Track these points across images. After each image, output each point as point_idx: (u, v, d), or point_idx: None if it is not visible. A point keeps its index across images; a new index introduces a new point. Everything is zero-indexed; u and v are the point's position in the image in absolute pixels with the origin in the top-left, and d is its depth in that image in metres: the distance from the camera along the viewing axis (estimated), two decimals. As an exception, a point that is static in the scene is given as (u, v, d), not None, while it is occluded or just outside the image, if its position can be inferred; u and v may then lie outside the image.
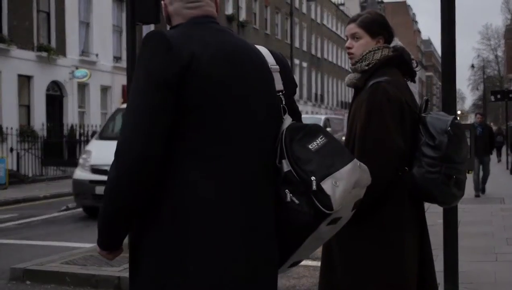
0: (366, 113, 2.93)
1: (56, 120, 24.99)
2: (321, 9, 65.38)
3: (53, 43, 24.81)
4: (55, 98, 25.22)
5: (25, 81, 23.38)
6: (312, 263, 7.60)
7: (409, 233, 2.98)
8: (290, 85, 2.19)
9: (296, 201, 1.97)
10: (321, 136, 2.04)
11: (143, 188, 1.92)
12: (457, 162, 2.90)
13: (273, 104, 2.11)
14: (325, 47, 67.42)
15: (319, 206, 1.93)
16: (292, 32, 47.35)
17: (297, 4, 56.36)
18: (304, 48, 59.86)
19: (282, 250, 2.09)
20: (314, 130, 2.06)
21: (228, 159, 1.97)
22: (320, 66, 64.91)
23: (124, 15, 26.47)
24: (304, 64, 59.67)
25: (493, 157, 16.62)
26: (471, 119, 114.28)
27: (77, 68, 25.56)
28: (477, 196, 14.59)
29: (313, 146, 2.02)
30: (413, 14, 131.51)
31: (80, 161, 12.10)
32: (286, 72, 2.19)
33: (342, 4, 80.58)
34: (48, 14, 24.91)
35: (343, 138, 3.50)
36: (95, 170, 11.12)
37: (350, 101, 3.30)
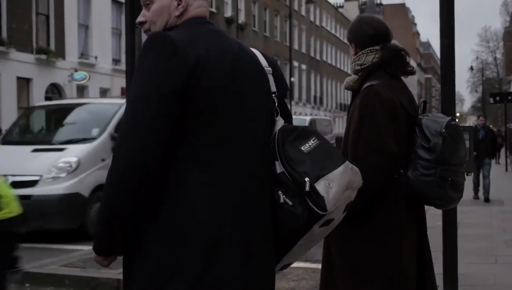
0: (358, 116, 2.95)
1: (55, 122, 24.99)
2: (320, 11, 65.41)
3: (52, 46, 24.82)
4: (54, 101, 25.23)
5: (24, 83, 23.39)
6: (311, 265, 7.60)
7: (405, 235, 2.98)
8: (282, 87, 2.18)
9: (289, 203, 1.95)
10: (314, 138, 2.04)
11: (140, 194, 1.90)
12: (453, 164, 2.89)
13: (269, 106, 2.10)
14: (324, 49, 67.45)
15: (313, 207, 1.91)
16: (291, 34, 47.36)
17: (296, 7, 56.40)
18: (303, 50, 59.90)
19: (276, 251, 2.09)
20: (307, 132, 2.06)
21: (229, 162, 1.95)
22: (319, 68, 64.94)
23: (123, 17, 26.49)
24: (303, 66, 59.70)
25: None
26: (470, 121, 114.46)
27: (76, 70, 25.57)
28: (475, 198, 14.44)
29: (305, 148, 2.01)
30: (412, 16, 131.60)
31: None
32: (278, 74, 2.18)
33: (341, 7, 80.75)
34: (47, 16, 24.92)
35: (333, 141, 3.48)
36: None
37: (347, 104, 3.30)
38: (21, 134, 11.34)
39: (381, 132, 2.87)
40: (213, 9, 40.38)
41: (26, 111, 12.54)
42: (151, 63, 1.90)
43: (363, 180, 2.24)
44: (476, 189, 14.70)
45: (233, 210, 1.95)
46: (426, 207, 3.24)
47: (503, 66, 72.36)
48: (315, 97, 63.76)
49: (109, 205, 1.93)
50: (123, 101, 9.91)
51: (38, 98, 23.74)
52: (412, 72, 3.15)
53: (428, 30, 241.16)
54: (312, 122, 28.31)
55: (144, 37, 2.04)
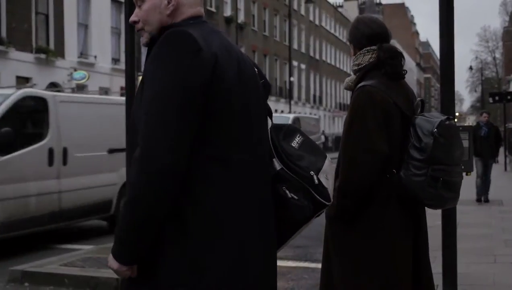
0: (349, 116, 3.00)
1: (55, 122, 25.00)
2: (319, 11, 65.41)
3: (52, 45, 24.82)
4: (53, 100, 25.23)
5: (23, 82, 23.36)
6: (310, 265, 7.61)
7: (399, 233, 2.99)
8: (266, 86, 2.22)
9: (295, 197, 2.01)
10: (298, 135, 2.14)
11: (171, 196, 1.86)
12: (446, 164, 2.88)
13: (263, 104, 2.14)
14: (324, 48, 67.46)
15: (320, 199, 2.01)
16: (290, 34, 47.41)
17: (295, 6, 56.42)
18: (303, 49, 59.90)
19: (278, 239, 2.15)
20: (291, 130, 2.15)
21: (246, 161, 1.97)
22: (318, 68, 64.95)
23: (122, 17, 26.47)
24: (303, 66, 59.71)
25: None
26: (469, 121, 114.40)
27: (75, 70, 25.56)
28: (478, 200, 13.71)
29: (294, 144, 2.11)
30: (412, 16, 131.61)
31: None
32: (261, 75, 2.20)
33: (341, 6, 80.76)
34: (47, 16, 24.91)
35: (320, 141, 3.49)
36: None
37: (346, 103, 3.33)
38: None
39: (371, 133, 2.89)
40: (213, 9, 40.41)
41: None
42: (176, 61, 1.86)
43: (353, 180, 2.38)
44: (480, 192, 13.81)
45: (256, 208, 1.99)
46: (425, 207, 3.25)
47: (502, 65, 72.41)
48: (314, 96, 63.77)
49: (138, 209, 1.86)
50: (11, 91, 9.18)
51: (37, 98, 23.75)
52: (403, 76, 3.15)
53: (428, 29, 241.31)
54: (296, 120, 27.86)
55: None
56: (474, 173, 13.04)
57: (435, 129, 2.85)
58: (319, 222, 8.64)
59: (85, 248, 8.02)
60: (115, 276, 6.35)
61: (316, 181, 2.00)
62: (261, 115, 2.09)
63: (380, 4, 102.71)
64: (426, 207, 3.20)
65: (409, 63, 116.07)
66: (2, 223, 8.03)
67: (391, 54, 3.08)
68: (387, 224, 2.96)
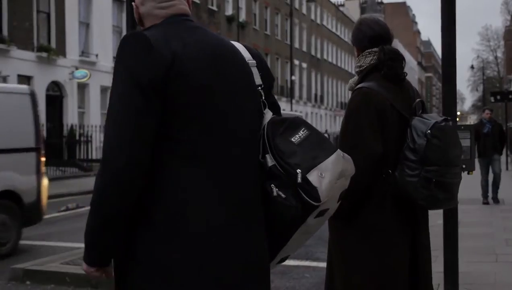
0: (345, 117, 3.04)
1: (56, 120, 25.02)
2: (321, 10, 65.40)
3: (53, 44, 24.84)
4: (55, 99, 25.25)
5: (25, 81, 23.39)
6: (311, 264, 7.61)
7: (393, 233, 3.01)
8: (267, 79, 2.17)
9: (283, 195, 1.93)
10: (303, 129, 2.04)
11: (131, 196, 1.86)
12: (439, 165, 2.89)
13: (255, 99, 2.08)
14: (325, 47, 67.44)
15: (307, 198, 1.90)
16: (292, 32, 47.39)
17: (297, 5, 56.40)
18: (304, 48, 59.89)
19: (272, 245, 2.06)
20: (296, 123, 2.05)
21: (215, 157, 1.93)
22: (319, 67, 64.93)
23: (124, 15, 26.51)
24: (304, 65, 59.69)
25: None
26: (470, 120, 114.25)
27: (77, 68, 25.59)
28: (485, 203, 13.13)
29: (295, 139, 2.00)
30: (413, 15, 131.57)
31: None
32: (263, 67, 2.16)
33: (342, 5, 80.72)
34: (48, 14, 24.94)
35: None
36: None
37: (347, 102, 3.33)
38: None
39: (364, 133, 2.92)
40: (214, 7, 40.40)
41: None
42: (127, 62, 1.90)
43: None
44: (485, 194, 13.34)
45: (225, 204, 1.93)
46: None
47: (504, 65, 72.36)
48: (315, 95, 63.77)
49: (96, 213, 1.88)
50: None
51: (39, 96, 23.67)
52: (402, 78, 3.16)
53: (429, 28, 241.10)
54: None
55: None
56: (479, 175, 12.80)
57: (429, 131, 2.87)
58: (320, 221, 8.35)
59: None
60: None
61: (299, 180, 1.90)
62: (246, 110, 2.04)
63: (381, 3, 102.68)
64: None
65: (411, 62, 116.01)
66: None
67: (391, 56, 3.09)
68: (382, 225, 2.98)
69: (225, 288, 1.91)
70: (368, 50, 3.16)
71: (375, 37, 3.17)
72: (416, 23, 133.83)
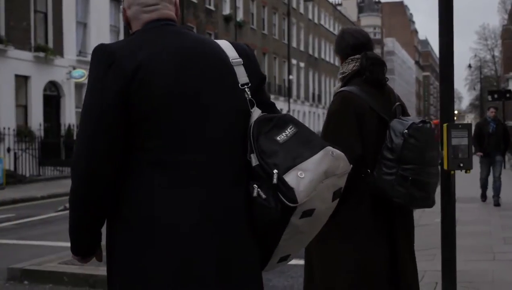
0: (326, 119, 3.20)
1: (54, 120, 24.99)
2: (318, 9, 65.40)
3: (51, 44, 24.80)
4: (52, 98, 25.22)
5: (22, 81, 23.38)
6: (310, 263, 7.62)
7: (369, 231, 3.10)
8: (256, 77, 2.14)
9: (263, 196, 1.91)
10: (291, 126, 2.02)
11: (96, 201, 1.98)
12: (415, 164, 2.99)
13: (237, 99, 2.06)
14: (322, 47, 67.46)
15: (283, 199, 1.87)
16: (289, 32, 47.41)
17: (294, 4, 56.40)
18: (302, 48, 59.89)
19: (263, 247, 2.05)
20: (284, 121, 2.04)
21: (187, 162, 1.95)
22: (317, 66, 64.95)
23: (121, 15, 26.38)
24: (301, 64, 59.69)
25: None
26: (468, 119, 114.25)
27: (74, 68, 25.56)
28: (483, 201, 13.17)
29: (281, 137, 1.98)
30: (410, 14, 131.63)
31: None
32: (251, 64, 2.14)
33: (340, 4, 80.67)
34: (46, 14, 24.90)
35: None
36: None
37: None
38: None
39: (344, 134, 3.04)
40: (211, 7, 40.39)
41: None
42: (92, 75, 1.99)
43: None
44: (484, 190, 13.17)
45: (198, 208, 1.94)
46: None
47: (501, 63, 72.42)
48: (313, 94, 63.78)
49: (71, 214, 2.05)
50: None
51: (36, 96, 23.75)
52: (383, 83, 3.28)
53: (427, 27, 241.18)
54: None
55: None
56: (477, 173, 12.63)
57: (406, 130, 2.98)
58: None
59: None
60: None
61: (275, 181, 1.87)
62: (225, 110, 2.03)
63: (379, 2, 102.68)
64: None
65: (408, 61, 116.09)
66: None
67: (373, 61, 3.22)
68: (360, 224, 3.08)
69: (197, 287, 1.94)
70: (351, 57, 3.30)
71: (358, 45, 3.31)
72: (413, 22, 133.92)
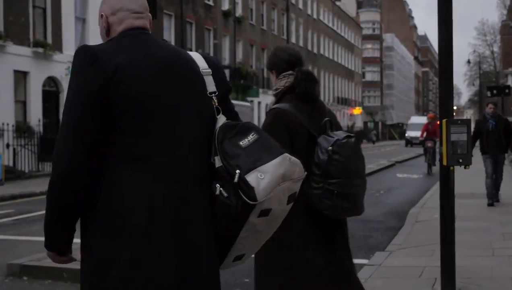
0: None
1: (53, 116, 24.97)
2: (317, 4, 65.33)
3: (49, 39, 24.76)
4: (51, 94, 25.20)
5: (21, 77, 23.35)
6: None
7: (309, 239, 3.30)
8: (222, 86, 2.32)
9: (225, 194, 2.08)
10: (253, 133, 2.20)
11: (73, 196, 2.08)
12: (340, 178, 3.19)
13: (205, 106, 2.24)
14: (321, 42, 67.40)
15: (244, 197, 2.04)
16: (288, 27, 47.36)
17: (293, 0, 56.32)
18: (301, 43, 59.83)
19: (221, 244, 2.21)
20: (246, 128, 2.21)
21: (158, 159, 2.11)
22: (316, 62, 64.91)
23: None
24: (301, 60, 59.57)
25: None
26: (467, 115, 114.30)
27: (73, 64, 25.51)
28: (490, 205, 11.89)
29: (244, 142, 2.16)
30: (410, 9, 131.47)
31: None
32: (219, 75, 2.33)
33: (339, 0, 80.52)
34: (44, 9, 24.86)
35: None
36: None
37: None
38: None
39: None
40: (210, 3, 40.34)
41: None
42: (74, 73, 2.12)
43: None
44: (490, 194, 11.99)
45: (165, 203, 2.10)
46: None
47: (500, 59, 72.46)
48: (312, 90, 63.71)
49: (49, 208, 2.12)
50: None
51: (35, 92, 23.72)
52: (314, 99, 3.47)
53: (425, 23, 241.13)
54: None
55: None
56: (476, 169, 12.42)
57: (330, 147, 3.19)
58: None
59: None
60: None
61: (236, 179, 2.05)
62: (194, 115, 2.21)
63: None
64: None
65: (407, 57, 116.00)
66: None
67: (307, 76, 3.43)
68: (298, 229, 3.26)
69: (159, 284, 2.08)
70: (283, 74, 3.48)
71: (291, 61, 3.52)
72: (412, 17, 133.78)
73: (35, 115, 23.44)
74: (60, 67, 24.99)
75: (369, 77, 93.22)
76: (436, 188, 13.54)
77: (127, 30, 2.26)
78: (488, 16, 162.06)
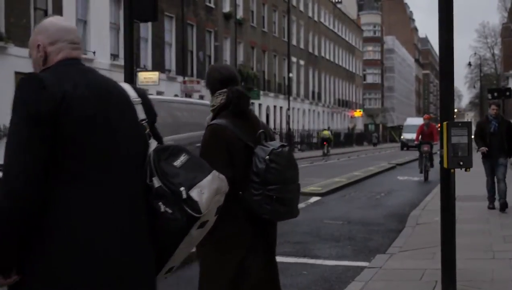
0: (200, 150, 3.63)
1: (53, 117, 25.00)
2: (318, 7, 65.38)
3: (50, 41, 24.79)
4: (52, 96, 25.22)
5: (22, 78, 23.37)
6: (309, 261, 7.63)
7: (239, 242, 3.56)
8: (151, 114, 2.51)
9: (169, 211, 2.28)
10: (184, 154, 2.41)
11: (19, 220, 2.12)
12: (278, 184, 3.46)
13: (138, 131, 2.42)
14: (322, 45, 67.44)
15: (190, 211, 2.26)
16: (289, 29, 47.41)
17: (294, 2, 56.38)
18: (302, 46, 59.89)
19: (160, 257, 2.39)
20: (178, 150, 2.42)
21: (101, 182, 2.24)
22: (317, 64, 64.94)
23: (121, 12, 26.44)
24: (301, 62, 59.70)
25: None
26: (468, 117, 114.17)
27: (74, 65, 25.54)
28: (491, 208, 11.63)
29: (177, 163, 2.37)
30: (410, 12, 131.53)
31: None
32: (147, 104, 2.51)
33: (340, 2, 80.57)
34: (46, 11, 24.89)
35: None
36: None
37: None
38: None
39: (214, 161, 3.44)
40: (211, 5, 40.38)
41: None
42: (23, 98, 2.21)
43: None
44: (491, 198, 11.76)
45: (109, 224, 2.23)
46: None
47: (501, 62, 72.44)
48: (313, 92, 63.79)
49: None
50: None
51: (36, 93, 23.72)
52: (247, 114, 3.72)
53: (426, 25, 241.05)
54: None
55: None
56: (476, 172, 12.31)
57: (267, 156, 3.46)
58: (319, 219, 8.74)
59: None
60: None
61: (184, 196, 2.25)
62: (130, 140, 2.36)
63: (378, 0, 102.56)
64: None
65: (408, 59, 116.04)
66: None
67: (238, 95, 3.66)
68: (230, 234, 3.54)
69: None
70: (218, 92, 3.73)
71: (224, 80, 3.75)
72: (413, 20, 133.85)
73: (36, 117, 23.45)
74: (61, 69, 25.02)
75: (370, 79, 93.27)
76: (437, 190, 13.53)
77: (64, 60, 2.39)
78: (489, 18, 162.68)
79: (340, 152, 46.85)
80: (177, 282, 6.18)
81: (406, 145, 54.27)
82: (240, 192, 3.51)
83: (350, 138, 68.67)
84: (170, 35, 35.24)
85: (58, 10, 25.15)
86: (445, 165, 5.29)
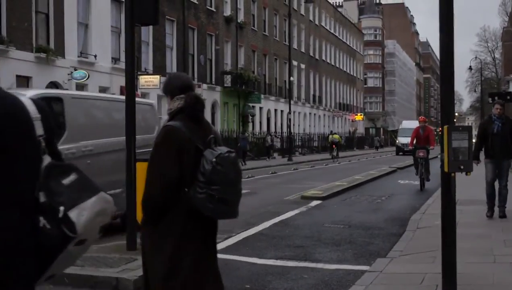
0: (152, 148, 3.90)
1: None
2: (319, 10, 65.43)
3: (52, 44, 24.82)
4: (53, 99, 25.21)
5: (23, 82, 23.39)
6: (310, 265, 7.62)
7: (184, 237, 3.81)
8: (49, 130, 2.57)
9: (48, 226, 2.38)
10: (74, 173, 2.50)
11: None
12: (221, 185, 3.72)
13: (35, 147, 2.49)
14: (323, 48, 67.47)
15: (66, 230, 2.37)
16: (290, 33, 47.40)
17: (295, 6, 56.40)
18: (302, 49, 59.94)
19: (39, 266, 2.47)
20: (68, 169, 2.51)
21: (4, 195, 2.34)
22: (318, 68, 64.97)
23: (122, 16, 26.50)
24: (302, 66, 59.73)
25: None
26: (468, 121, 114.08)
27: (75, 69, 25.57)
28: (488, 216, 11.05)
29: (66, 181, 2.46)
30: (411, 16, 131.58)
31: None
32: (46, 120, 2.57)
33: (341, 6, 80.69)
34: (47, 15, 24.93)
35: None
36: None
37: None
38: None
39: (164, 161, 3.82)
40: (212, 8, 40.41)
41: None
42: None
43: (150, 196, 3.72)
44: (491, 204, 11.10)
45: (16, 233, 2.34)
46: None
47: (502, 66, 72.40)
48: (314, 96, 63.80)
49: None
50: None
51: (37, 97, 23.73)
52: (201, 119, 3.98)
53: (427, 29, 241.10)
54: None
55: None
56: (477, 175, 12.18)
57: (214, 159, 3.73)
58: (320, 223, 8.74)
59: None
60: (114, 275, 6.42)
61: (60, 215, 2.35)
62: (26, 156, 2.44)
63: (379, 4, 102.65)
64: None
65: (409, 63, 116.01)
66: None
67: (195, 100, 3.96)
68: (176, 230, 3.80)
69: None
70: (177, 97, 4.00)
71: (184, 87, 4.04)
72: (414, 24, 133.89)
73: (37, 120, 23.45)
74: (63, 72, 25.05)
75: (370, 83, 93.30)
76: (437, 194, 13.53)
77: None
78: (490, 22, 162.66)
79: (341, 155, 46.84)
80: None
81: (401, 150, 49.15)
82: (186, 189, 3.77)
83: (351, 142, 68.69)
84: (171, 39, 35.28)
85: (59, 13, 25.18)
86: (446, 169, 5.29)
